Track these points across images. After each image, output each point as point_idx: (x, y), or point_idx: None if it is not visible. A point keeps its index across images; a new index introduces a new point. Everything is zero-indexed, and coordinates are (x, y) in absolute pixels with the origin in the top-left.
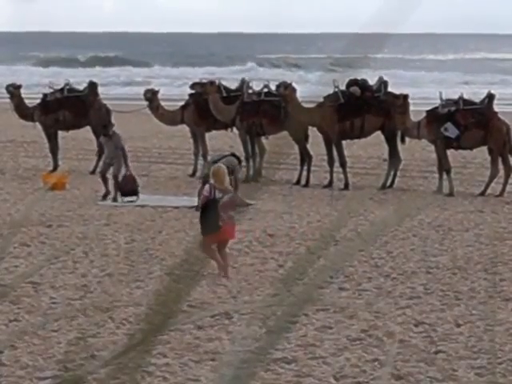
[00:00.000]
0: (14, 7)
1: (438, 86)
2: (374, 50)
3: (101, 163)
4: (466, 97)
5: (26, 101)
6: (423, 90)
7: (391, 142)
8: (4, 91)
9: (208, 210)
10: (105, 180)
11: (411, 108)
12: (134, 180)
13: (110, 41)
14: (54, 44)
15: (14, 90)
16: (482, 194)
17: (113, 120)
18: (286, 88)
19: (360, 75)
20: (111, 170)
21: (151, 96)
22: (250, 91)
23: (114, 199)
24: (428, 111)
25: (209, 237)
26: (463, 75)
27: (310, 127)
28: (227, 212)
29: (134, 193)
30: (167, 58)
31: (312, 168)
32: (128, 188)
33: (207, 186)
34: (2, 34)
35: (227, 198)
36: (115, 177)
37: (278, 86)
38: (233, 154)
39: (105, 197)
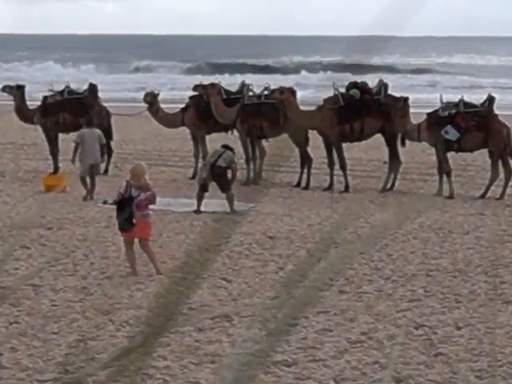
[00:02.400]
0: (16, 10)
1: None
2: (376, 52)
3: (81, 165)
4: (466, 99)
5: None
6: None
7: (391, 144)
8: (4, 94)
9: (123, 207)
10: (88, 181)
11: (411, 110)
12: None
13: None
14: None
15: (11, 91)
16: (483, 196)
17: (113, 122)
18: (282, 93)
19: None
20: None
21: (151, 99)
22: (251, 94)
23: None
24: (428, 114)
25: (124, 234)
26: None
27: (310, 130)
28: (142, 210)
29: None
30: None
31: (312, 171)
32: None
33: (123, 184)
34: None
35: (143, 196)
36: (90, 177)
37: (272, 91)
38: (225, 146)
39: (105, 202)
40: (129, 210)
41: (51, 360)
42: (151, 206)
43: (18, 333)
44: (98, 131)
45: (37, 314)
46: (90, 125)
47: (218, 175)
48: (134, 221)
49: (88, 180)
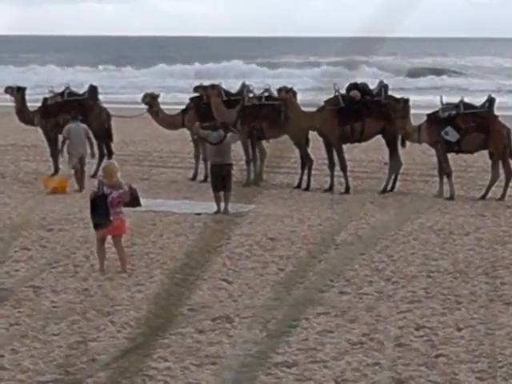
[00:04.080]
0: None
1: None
2: (372, 53)
3: (69, 157)
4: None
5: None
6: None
7: (392, 145)
8: (4, 95)
9: (96, 205)
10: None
11: (412, 112)
12: (131, 193)
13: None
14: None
15: (12, 93)
16: (483, 197)
17: (113, 124)
18: (287, 92)
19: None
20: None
21: (150, 100)
22: (251, 95)
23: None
24: (428, 115)
25: (99, 231)
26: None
27: (310, 131)
28: (114, 208)
29: (136, 204)
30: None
31: (313, 172)
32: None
33: (96, 182)
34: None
35: (115, 194)
36: (79, 169)
37: (279, 90)
38: (222, 127)
39: None
40: (103, 207)
41: (52, 361)
42: (154, 208)
43: (19, 334)
44: (83, 125)
45: (37, 316)
46: (75, 119)
47: (226, 174)
48: (111, 218)
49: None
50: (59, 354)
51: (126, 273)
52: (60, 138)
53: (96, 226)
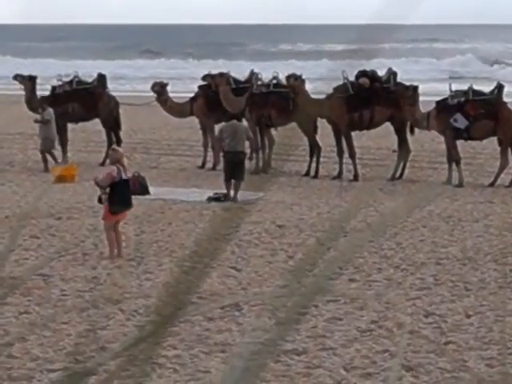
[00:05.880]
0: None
1: None
2: (383, 40)
3: (41, 141)
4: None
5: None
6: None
7: (400, 133)
8: (12, 84)
9: (118, 190)
10: (46, 158)
11: (420, 99)
12: (139, 182)
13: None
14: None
15: (23, 81)
16: (492, 184)
17: (121, 112)
18: (296, 79)
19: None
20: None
21: (159, 89)
22: (259, 83)
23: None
24: (437, 102)
25: (114, 216)
26: None
27: (319, 118)
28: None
29: (145, 192)
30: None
31: (321, 159)
32: (136, 189)
33: (114, 168)
34: (13, 26)
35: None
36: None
37: (288, 77)
38: (232, 120)
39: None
40: (126, 192)
41: (61, 350)
42: (163, 196)
43: (28, 323)
44: (51, 110)
45: (47, 304)
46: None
47: (239, 162)
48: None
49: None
50: (69, 343)
51: (134, 261)
52: (69, 127)
53: (116, 211)
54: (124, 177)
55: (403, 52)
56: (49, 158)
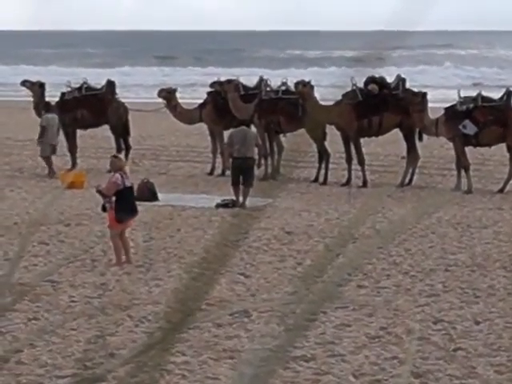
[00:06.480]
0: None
1: None
2: (392, 47)
3: (43, 146)
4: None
5: None
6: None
7: (409, 139)
8: (23, 90)
9: (123, 198)
10: (50, 162)
11: (429, 105)
12: (148, 188)
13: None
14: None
15: (32, 87)
16: (501, 191)
17: (130, 118)
18: (305, 86)
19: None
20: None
21: (166, 95)
22: (268, 89)
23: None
24: (446, 108)
25: (121, 224)
26: None
27: (327, 125)
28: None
29: (154, 198)
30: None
31: (330, 166)
32: (145, 195)
33: (118, 176)
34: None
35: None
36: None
37: (296, 84)
38: (241, 126)
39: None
40: (131, 199)
41: (70, 356)
42: (172, 202)
43: (37, 329)
44: (55, 116)
45: (55, 311)
46: (49, 111)
47: (248, 168)
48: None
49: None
50: (77, 349)
51: (143, 267)
52: (78, 133)
53: (123, 219)
54: (128, 184)
55: (422, 58)
56: (43, 163)
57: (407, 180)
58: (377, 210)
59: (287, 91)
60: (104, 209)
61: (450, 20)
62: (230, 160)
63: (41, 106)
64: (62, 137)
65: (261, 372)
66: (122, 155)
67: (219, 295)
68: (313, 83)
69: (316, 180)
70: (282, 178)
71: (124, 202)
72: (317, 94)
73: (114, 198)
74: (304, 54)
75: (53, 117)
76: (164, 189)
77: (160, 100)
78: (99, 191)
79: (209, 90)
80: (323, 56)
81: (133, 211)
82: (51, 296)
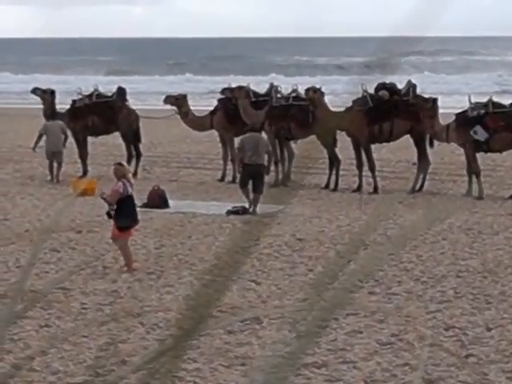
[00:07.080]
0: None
1: None
2: (404, 53)
3: (45, 151)
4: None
5: None
6: None
7: (420, 145)
8: (33, 98)
9: (124, 206)
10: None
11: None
12: (159, 195)
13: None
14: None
15: (42, 95)
16: None
17: (141, 125)
18: (315, 92)
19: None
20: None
21: (174, 101)
22: (279, 96)
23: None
24: (457, 114)
25: (126, 232)
26: None
27: (338, 131)
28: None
29: (165, 205)
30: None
31: (341, 172)
32: (156, 203)
33: (121, 184)
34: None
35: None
36: (60, 164)
37: (307, 90)
38: (251, 131)
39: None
40: (132, 207)
41: (82, 363)
42: (183, 209)
43: (49, 336)
44: (60, 123)
45: (67, 318)
46: (54, 118)
47: (259, 175)
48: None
49: (55, 165)
50: (89, 356)
51: (154, 274)
52: (89, 140)
53: (124, 228)
54: (130, 192)
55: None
56: (44, 169)
57: (418, 186)
58: (388, 217)
59: (298, 98)
60: (109, 215)
61: (473, 26)
62: (241, 165)
63: (49, 113)
64: (72, 144)
65: (272, 379)
66: (132, 162)
67: (230, 302)
68: (323, 90)
69: (327, 186)
70: (292, 184)
71: (125, 210)
72: (327, 100)
73: (115, 206)
74: (314, 60)
75: (54, 124)
76: (175, 196)
77: (170, 107)
78: (103, 198)
79: (219, 96)
80: (333, 63)
81: (133, 219)
82: (63, 303)
